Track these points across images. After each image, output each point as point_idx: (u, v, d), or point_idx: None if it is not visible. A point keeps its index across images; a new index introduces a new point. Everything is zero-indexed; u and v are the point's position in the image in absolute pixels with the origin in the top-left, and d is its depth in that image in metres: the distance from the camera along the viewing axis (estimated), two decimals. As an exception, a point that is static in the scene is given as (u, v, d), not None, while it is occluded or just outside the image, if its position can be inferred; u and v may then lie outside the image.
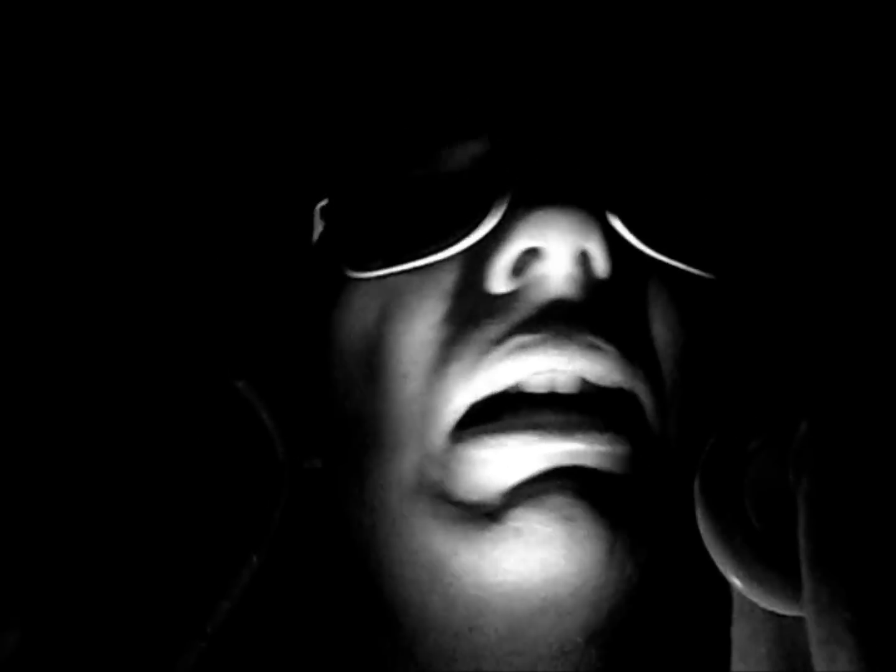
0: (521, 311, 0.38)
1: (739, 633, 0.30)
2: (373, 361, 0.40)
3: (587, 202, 0.38)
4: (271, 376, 0.43)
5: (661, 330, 0.40)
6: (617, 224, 0.39)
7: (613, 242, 0.38)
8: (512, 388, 0.38)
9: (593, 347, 0.37)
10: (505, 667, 0.38)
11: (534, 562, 0.36)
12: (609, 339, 0.38)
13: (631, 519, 0.37)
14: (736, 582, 0.27)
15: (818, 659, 0.22)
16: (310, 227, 0.44)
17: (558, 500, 0.36)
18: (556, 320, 0.37)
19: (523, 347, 0.37)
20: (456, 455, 0.38)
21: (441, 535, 0.38)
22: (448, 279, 0.40)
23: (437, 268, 0.40)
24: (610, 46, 0.41)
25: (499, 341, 0.38)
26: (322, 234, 0.43)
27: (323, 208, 0.43)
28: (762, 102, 0.45)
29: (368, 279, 0.41)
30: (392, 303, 0.40)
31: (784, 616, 0.27)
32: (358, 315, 0.41)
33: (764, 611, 0.28)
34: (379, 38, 0.44)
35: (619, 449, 0.37)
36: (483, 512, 0.37)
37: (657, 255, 0.39)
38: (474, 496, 0.37)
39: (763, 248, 0.44)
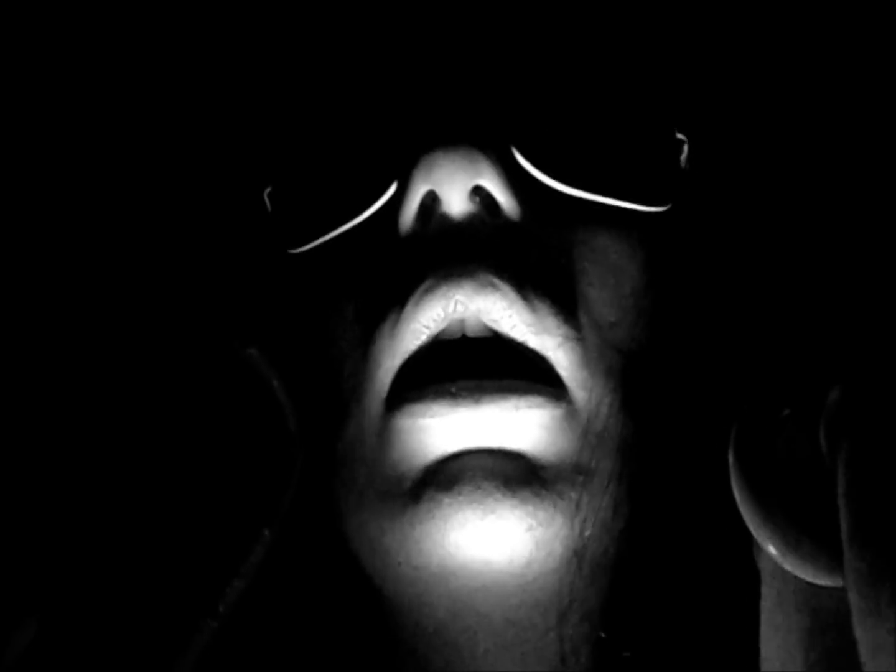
0: (426, 256, 0.38)
1: (770, 601, 0.28)
2: (319, 332, 0.41)
3: (480, 138, 0.37)
4: (279, 350, 0.43)
5: (583, 274, 0.38)
6: (520, 159, 0.38)
7: (520, 180, 0.38)
8: (432, 338, 0.37)
9: (489, 285, 0.37)
10: (462, 644, 0.38)
11: (450, 545, 0.36)
12: (509, 277, 0.37)
13: (552, 495, 0.36)
14: (772, 550, 0.26)
15: (860, 629, 0.22)
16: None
17: (469, 483, 0.35)
18: (454, 259, 0.37)
19: (428, 291, 0.37)
20: (387, 424, 0.38)
21: (375, 512, 0.38)
22: (372, 238, 0.40)
23: (363, 229, 0.40)
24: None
25: (410, 290, 0.37)
26: (270, 217, 0.45)
27: (269, 194, 0.45)
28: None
29: (306, 253, 0.42)
30: (328, 271, 0.41)
31: (818, 586, 0.26)
32: (304, 288, 0.43)
33: (798, 579, 0.27)
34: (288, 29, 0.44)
35: (536, 412, 0.36)
36: (404, 488, 0.37)
37: (569, 188, 0.38)
38: (399, 469, 0.37)
39: (702, 180, 0.42)
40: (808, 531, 0.26)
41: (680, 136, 0.41)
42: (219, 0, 0.49)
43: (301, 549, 0.42)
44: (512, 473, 0.36)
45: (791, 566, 0.26)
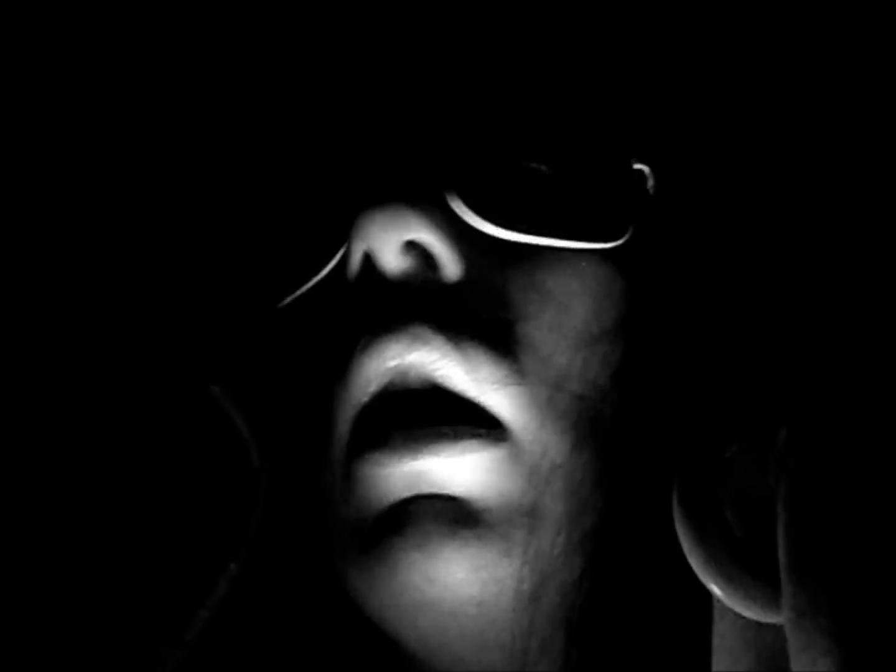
0: (364, 313, 0.38)
1: (719, 638, 0.29)
2: (292, 385, 0.42)
3: (411, 192, 0.38)
4: (243, 388, 0.43)
5: (531, 312, 0.38)
6: (455, 207, 0.38)
7: (459, 229, 0.38)
8: (381, 388, 0.38)
9: (419, 339, 0.37)
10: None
11: (401, 588, 0.37)
12: (437, 328, 0.37)
13: (496, 535, 0.37)
14: (716, 590, 0.27)
15: (797, 665, 0.22)
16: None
17: (416, 527, 0.37)
18: (385, 316, 0.38)
19: (363, 349, 0.38)
20: (347, 471, 0.39)
21: (338, 556, 0.40)
22: (329, 296, 0.40)
23: (324, 288, 0.41)
24: (442, 45, 0.41)
25: (354, 346, 0.38)
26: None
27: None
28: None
29: (279, 310, 0.42)
30: (298, 329, 0.42)
31: (763, 623, 0.27)
32: (283, 340, 0.43)
33: (742, 617, 0.28)
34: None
35: (475, 458, 0.37)
36: (362, 534, 0.38)
37: (510, 233, 0.38)
38: (357, 514, 0.38)
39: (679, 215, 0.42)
40: (751, 570, 0.26)
41: (639, 165, 0.41)
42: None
43: (289, 582, 0.44)
44: (457, 516, 0.37)
45: (734, 605, 0.27)
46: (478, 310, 0.38)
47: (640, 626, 0.38)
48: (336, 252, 0.40)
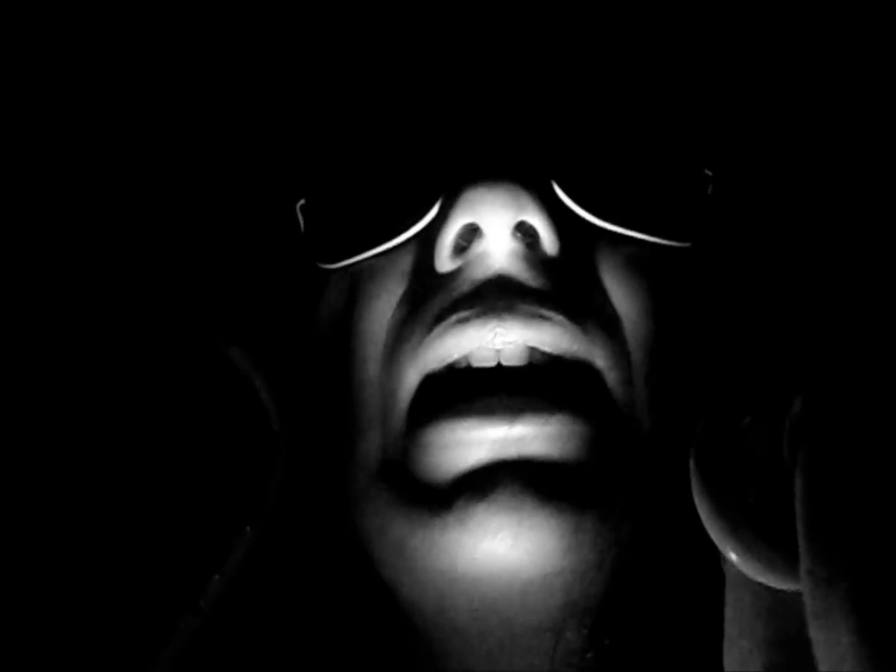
0: (462, 287, 0.39)
1: (732, 606, 0.29)
2: (341, 347, 0.42)
3: (524, 175, 0.38)
4: (263, 351, 0.43)
5: (622, 302, 0.40)
6: (560, 194, 0.39)
7: (559, 214, 0.39)
8: (458, 362, 0.39)
9: (538, 317, 0.38)
10: (479, 645, 0.39)
11: (482, 552, 0.36)
12: (556, 307, 0.38)
13: (587, 504, 0.37)
14: (732, 556, 0.27)
15: (815, 630, 0.22)
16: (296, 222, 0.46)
17: (505, 491, 0.36)
18: (495, 293, 0.38)
19: (462, 321, 0.38)
20: (413, 439, 0.39)
21: (400, 517, 0.38)
22: (404, 262, 0.41)
23: (395, 253, 0.41)
24: (539, 26, 0.42)
25: (441, 318, 0.38)
26: (302, 230, 0.45)
27: (301, 206, 0.45)
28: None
29: (337, 269, 0.43)
30: (357, 289, 0.42)
31: (777, 591, 0.27)
32: (330, 303, 0.43)
33: (759, 584, 0.27)
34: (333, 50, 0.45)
35: (573, 429, 0.37)
36: (436, 497, 0.38)
37: (605, 223, 0.40)
38: (430, 479, 0.38)
39: (723, 214, 0.44)
40: (768, 537, 0.26)
41: (708, 171, 0.43)
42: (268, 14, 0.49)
43: (308, 551, 0.43)
44: (547, 485, 0.36)
45: (751, 571, 0.26)
46: (577, 287, 0.39)
47: (650, 600, 0.39)
48: (418, 218, 0.40)
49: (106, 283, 0.47)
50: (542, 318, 0.38)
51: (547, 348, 0.38)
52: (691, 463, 0.28)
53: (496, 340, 0.38)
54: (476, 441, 0.37)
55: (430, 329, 0.38)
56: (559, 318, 0.38)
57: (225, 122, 0.50)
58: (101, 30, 0.50)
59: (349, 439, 0.41)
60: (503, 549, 0.36)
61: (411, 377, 0.39)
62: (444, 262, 0.39)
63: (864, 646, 0.20)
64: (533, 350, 0.38)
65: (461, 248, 0.39)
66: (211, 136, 0.50)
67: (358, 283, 0.42)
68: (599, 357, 0.38)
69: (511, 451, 0.37)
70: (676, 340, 0.40)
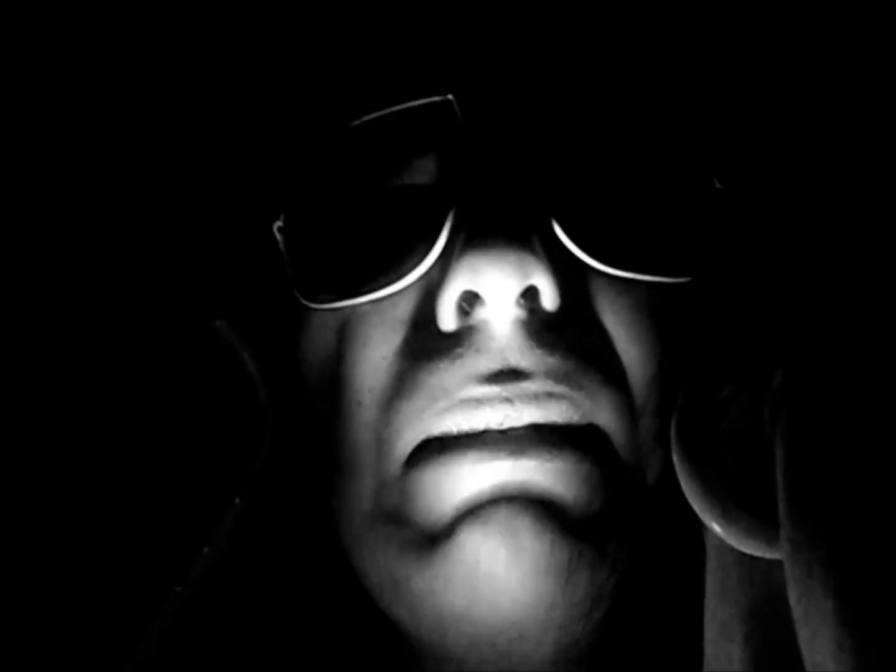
0: (467, 361, 0.37)
1: (713, 576, 0.29)
2: (331, 385, 0.41)
3: (525, 226, 0.37)
4: (250, 324, 0.42)
5: (627, 346, 0.39)
6: (563, 238, 0.38)
7: (561, 261, 0.38)
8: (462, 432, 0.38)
9: (544, 395, 0.37)
10: None
11: (482, 575, 0.36)
12: (564, 381, 0.37)
13: (586, 539, 0.36)
14: (714, 526, 0.27)
15: (794, 596, 0.23)
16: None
17: (502, 514, 0.36)
18: (503, 376, 0.37)
19: (473, 402, 0.37)
20: (410, 480, 0.38)
21: (397, 558, 0.38)
22: (401, 310, 0.39)
23: (390, 298, 0.39)
24: (542, 69, 0.40)
25: (448, 391, 0.37)
26: (283, 253, 0.43)
27: (279, 227, 0.43)
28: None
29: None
30: (347, 330, 0.40)
31: (758, 559, 0.27)
32: (316, 338, 0.42)
33: (740, 554, 0.28)
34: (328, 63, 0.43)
35: (578, 466, 0.37)
36: (436, 532, 0.37)
37: (608, 268, 0.38)
38: (428, 517, 0.38)
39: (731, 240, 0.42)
40: (748, 505, 0.26)
41: (719, 185, 0.41)
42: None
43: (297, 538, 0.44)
44: (546, 511, 0.36)
45: (732, 540, 0.27)
46: (578, 338, 0.38)
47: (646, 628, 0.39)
48: (414, 268, 0.39)
49: (90, 257, 0.46)
50: (551, 395, 0.37)
51: (554, 421, 0.37)
52: (672, 434, 0.28)
53: (505, 422, 0.37)
54: (478, 473, 0.36)
55: (435, 398, 0.37)
56: (567, 392, 0.37)
57: (217, 112, 0.49)
58: (87, 32, 0.49)
59: (340, 481, 0.40)
60: (501, 571, 0.36)
61: (411, 436, 0.38)
62: (447, 322, 0.38)
63: (843, 608, 0.21)
64: (541, 426, 0.37)
65: (463, 310, 0.37)
66: (199, 123, 0.49)
67: (350, 324, 0.40)
68: (606, 420, 0.38)
69: (514, 484, 0.36)
70: (679, 377, 0.38)
